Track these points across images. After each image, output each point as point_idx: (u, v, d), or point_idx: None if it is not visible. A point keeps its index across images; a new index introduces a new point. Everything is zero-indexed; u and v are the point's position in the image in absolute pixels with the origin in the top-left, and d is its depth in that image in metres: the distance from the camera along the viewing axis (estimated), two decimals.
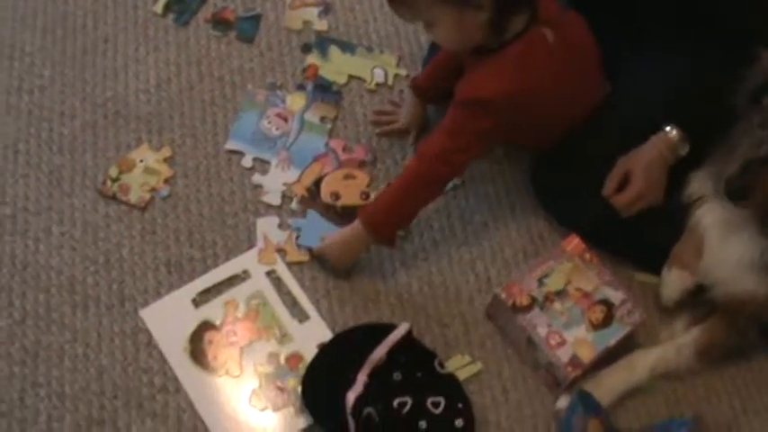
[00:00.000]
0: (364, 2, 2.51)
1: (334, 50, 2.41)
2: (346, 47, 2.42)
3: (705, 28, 1.95)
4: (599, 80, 2.12)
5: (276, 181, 2.19)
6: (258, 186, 2.18)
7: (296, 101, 2.31)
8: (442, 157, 1.93)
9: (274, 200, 2.16)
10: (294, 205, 2.16)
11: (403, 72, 2.39)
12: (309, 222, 2.13)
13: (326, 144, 2.26)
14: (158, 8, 2.41)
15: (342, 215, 2.14)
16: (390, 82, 2.38)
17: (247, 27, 2.41)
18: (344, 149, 2.26)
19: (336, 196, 2.17)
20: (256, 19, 2.43)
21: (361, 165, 2.24)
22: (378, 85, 2.38)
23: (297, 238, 2.10)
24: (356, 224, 1.99)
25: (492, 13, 1.79)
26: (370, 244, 2.04)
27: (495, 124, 1.90)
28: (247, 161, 2.21)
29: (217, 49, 2.37)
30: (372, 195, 2.17)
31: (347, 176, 2.22)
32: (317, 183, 2.19)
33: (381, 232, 2.00)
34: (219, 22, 2.41)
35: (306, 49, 2.40)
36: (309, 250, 2.07)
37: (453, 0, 1.77)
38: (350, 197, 2.18)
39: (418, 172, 1.96)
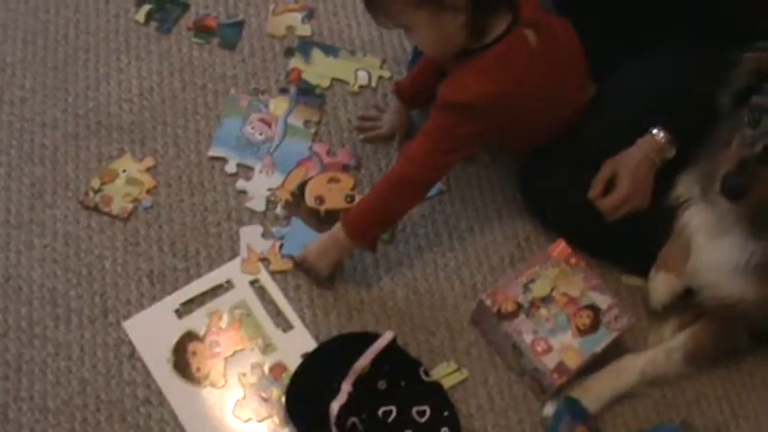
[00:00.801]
0: (348, 6, 2.50)
1: (317, 53, 2.40)
2: (329, 50, 2.41)
3: (698, 28, 1.94)
4: (584, 83, 2.11)
5: (260, 186, 2.18)
6: (242, 192, 2.17)
7: (279, 105, 2.30)
8: (424, 160, 1.91)
9: (259, 206, 2.15)
10: (279, 210, 2.15)
11: (387, 74, 2.39)
12: (293, 231, 2.11)
13: (310, 148, 2.25)
14: (140, 17, 2.40)
15: (326, 219, 2.12)
16: (374, 84, 2.37)
17: (230, 34, 2.40)
18: (328, 153, 2.25)
19: (321, 200, 2.16)
20: (239, 26, 2.42)
21: (345, 168, 2.23)
22: (361, 87, 2.37)
23: (280, 247, 2.08)
24: (336, 228, 1.98)
25: (469, 14, 1.77)
26: (351, 249, 2.02)
27: (477, 128, 1.89)
28: (231, 167, 2.20)
29: (199, 56, 2.35)
30: (357, 199, 2.16)
31: (331, 180, 2.21)
32: (302, 187, 2.18)
33: (362, 236, 1.98)
34: (202, 30, 2.40)
35: (289, 52, 2.39)
36: (292, 258, 2.05)
37: (428, 3, 1.75)
38: (334, 201, 2.17)
39: (400, 175, 1.94)
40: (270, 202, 2.16)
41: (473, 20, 1.79)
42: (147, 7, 2.41)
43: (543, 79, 1.92)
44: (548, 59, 1.92)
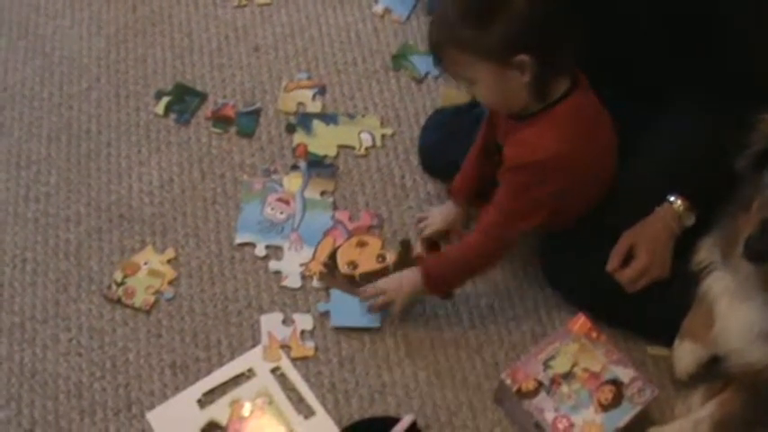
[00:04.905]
0: (351, 75, 2.57)
1: (318, 125, 2.46)
2: (328, 119, 2.47)
3: (711, 91, 1.93)
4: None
5: (293, 263, 2.21)
6: (277, 272, 2.19)
7: (293, 182, 2.34)
8: (497, 234, 1.96)
9: (294, 282, 2.18)
10: (315, 283, 2.18)
11: (389, 131, 2.45)
12: (335, 303, 2.15)
13: (332, 217, 2.29)
14: (159, 109, 2.46)
15: (362, 283, 2.16)
16: (379, 143, 2.43)
17: (247, 122, 2.44)
18: (351, 219, 2.29)
19: (354, 265, 2.20)
20: (256, 113, 2.46)
21: (370, 229, 2.28)
22: (367, 149, 2.42)
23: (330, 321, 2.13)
24: (415, 275, 2.04)
25: (534, 74, 1.79)
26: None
27: (548, 189, 1.88)
28: (260, 250, 2.23)
29: (218, 146, 2.40)
30: (388, 256, 2.22)
31: (360, 244, 2.25)
32: (333, 256, 2.22)
33: (439, 290, 2.08)
34: (220, 119, 2.45)
35: (290, 129, 2.44)
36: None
37: (494, 59, 1.77)
38: (367, 264, 2.21)
39: (478, 245, 1.99)
40: (305, 277, 2.18)
41: (538, 80, 1.81)
42: (165, 99, 2.47)
43: (601, 140, 1.95)
44: (601, 121, 1.96)
